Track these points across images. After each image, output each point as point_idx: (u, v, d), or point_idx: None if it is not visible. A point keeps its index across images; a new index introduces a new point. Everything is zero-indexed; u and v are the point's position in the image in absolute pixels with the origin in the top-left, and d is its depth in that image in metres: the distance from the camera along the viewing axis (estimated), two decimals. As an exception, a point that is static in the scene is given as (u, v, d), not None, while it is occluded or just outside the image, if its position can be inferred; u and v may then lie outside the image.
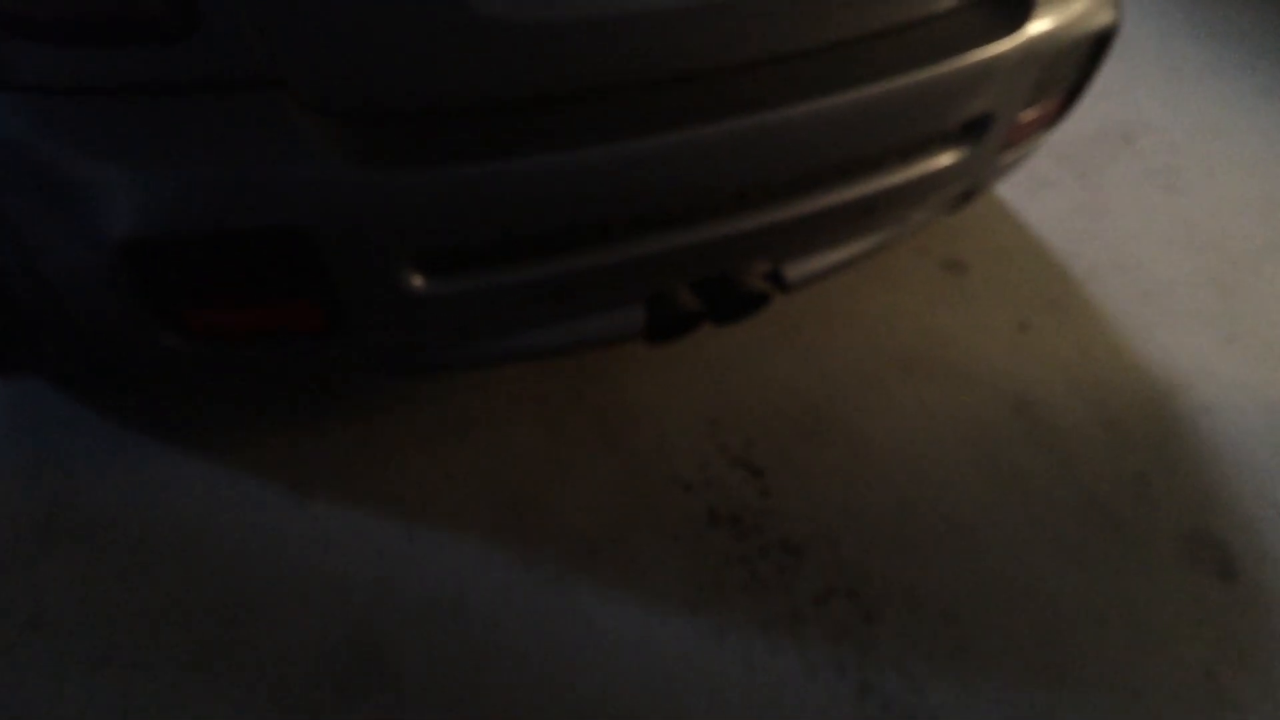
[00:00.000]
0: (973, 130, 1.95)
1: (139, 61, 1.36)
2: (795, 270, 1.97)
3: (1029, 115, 2.05)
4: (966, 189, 2.11)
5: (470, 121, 1.53)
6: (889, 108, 1.75)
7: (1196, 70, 3.25)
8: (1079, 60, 2.03)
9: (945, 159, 1.95)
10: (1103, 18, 1.98)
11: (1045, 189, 2.74)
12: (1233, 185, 2.86)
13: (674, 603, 1.86)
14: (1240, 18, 3.54)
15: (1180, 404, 2.30)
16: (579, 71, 1.56)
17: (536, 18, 1.46)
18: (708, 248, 1.77)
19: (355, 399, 2.08)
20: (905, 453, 2.13)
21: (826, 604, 1.89)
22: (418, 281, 1.57)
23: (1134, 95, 3.10)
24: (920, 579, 1.94)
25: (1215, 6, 3.58)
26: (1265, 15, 3.58)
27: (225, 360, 1.67)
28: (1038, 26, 1.88)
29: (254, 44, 1.37)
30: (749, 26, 1.63)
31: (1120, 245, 2.63)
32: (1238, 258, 2.67)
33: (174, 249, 1.42)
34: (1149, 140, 2.95)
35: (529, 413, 2.10)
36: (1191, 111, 3.09)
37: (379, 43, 1.41)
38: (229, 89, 1.42)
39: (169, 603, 1.76)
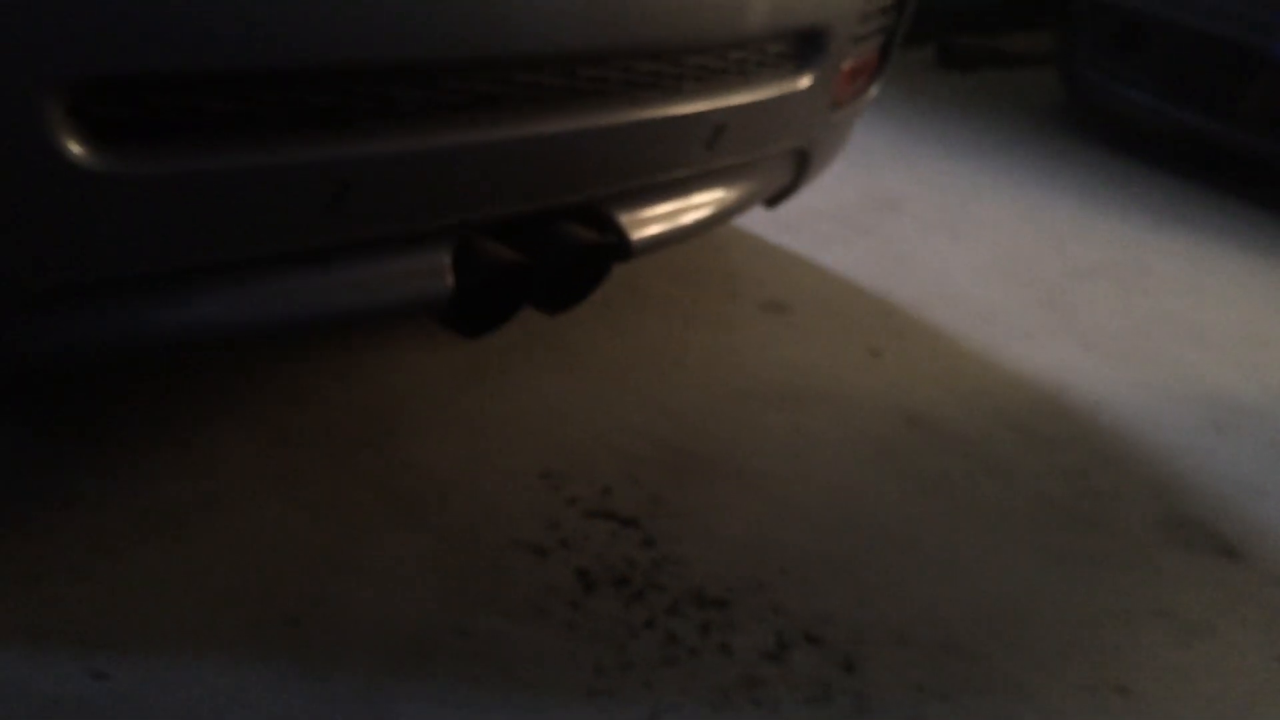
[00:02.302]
0: (809, 47, 1.62)
1: None
2: (638, 231, 1.50)
3: (853, 63, 1.77)
4: (803, 148, 1.77)
5: None
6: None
7: (930, 159, 3.24)
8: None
9: (784, 83, 1.60)
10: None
11: (832, 244, 2.48)
12: (1007, 232, 2.76)
13: (567, 694, 1.20)
14: (949, 122, 3.64)
15: (1074, 401, 1.99)
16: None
17: None
18: (521, 154, 1.28)
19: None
20: (808, 479, 1.63)
21: (786, 659, 1.30)
22: (78, 150, 0.95)
23: (883, 177, 3.00)
24: (894, 611, 1.40)
25: (928, 116, 3.68)
26: (969, 121, 3.71)
27: None
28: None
29: None
30: None
31: (933, 282, 2.39)
32: (1052, 283, 2.50)
33: None
34: (914, 205, 2.82)
35: (277, 493, 1.42)
36: (941, 186, 3.03)
37: None
38: None
39: None
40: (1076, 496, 1.71)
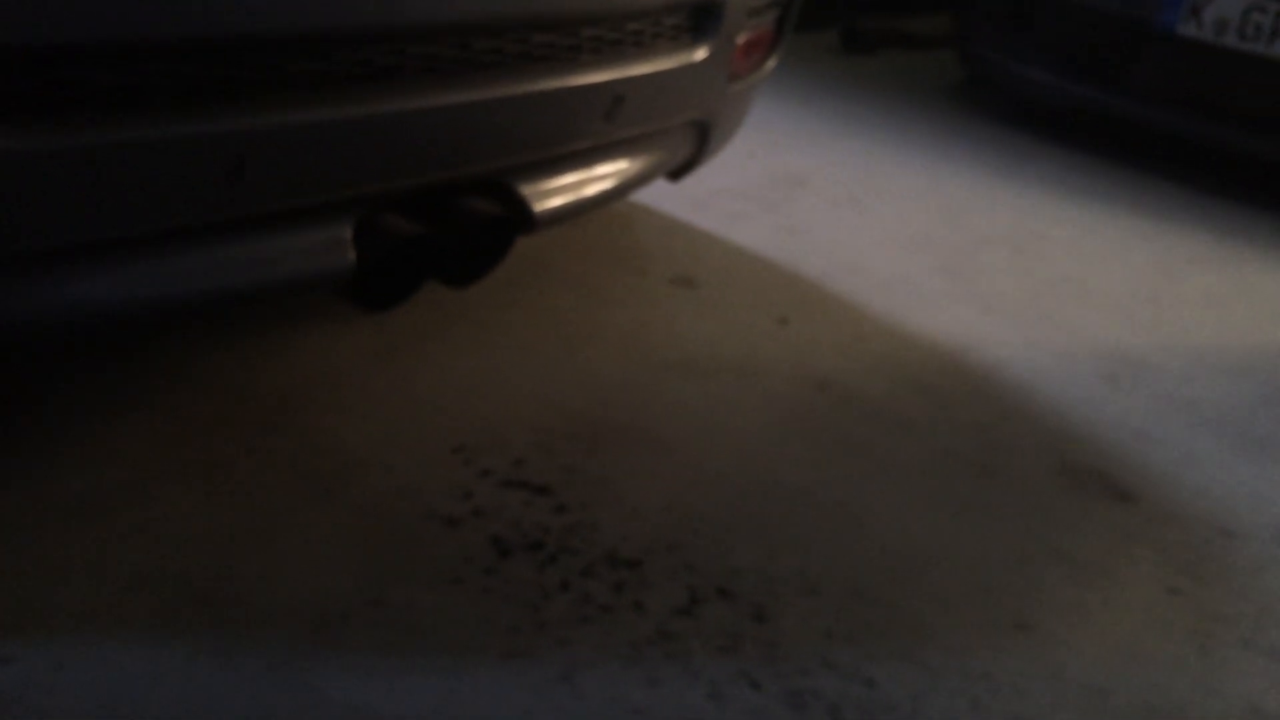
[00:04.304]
0: (704, 20, 1.65)
1: None
2: (540, 202, 1.51)
3: (749, 37, 1.80)
4: (702, 120, 1.80)
5: None
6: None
7: (834, 138, 3.30)
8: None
9: (681, 55, 1.62)
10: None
11: (739, 220, 2.51)
12: (910, 205, 2.82)
13: (482, 656, 1.21)
14: (853, 102, 3.71)
15: (975, 361, 2.04)
16: None
17: None
18: (418, 127, 1.28)
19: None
20: (719, 443, 1.66)
21: (698, 613, 1.32)
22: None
23: (788, 156, 3.04)
24: (803, 563, 1.44)
25: (833, 97, 3.73)
26: (873, 101, 3.78)
27: None
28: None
29: None
30: None
31: (838, 253, 2.43)
32: (952, 251, 2.55)
33: None
34: (819, 181, 2.87)
35: (186, 479, 1.40)
36: (845, 163, 3.08)
37: None
38: None
39: None
40: (978, 450, 1.76)
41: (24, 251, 1.05)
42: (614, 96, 1.53)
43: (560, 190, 1.56)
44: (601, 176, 1.63)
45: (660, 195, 2.52)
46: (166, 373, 1.60)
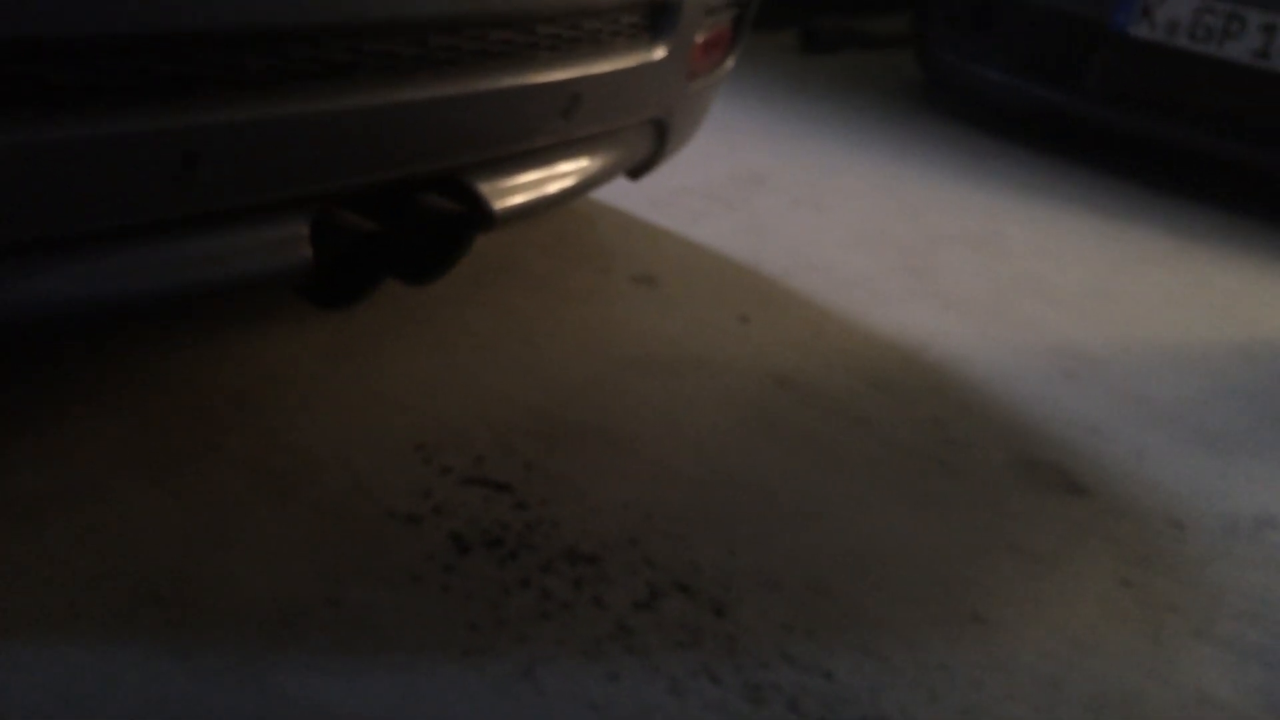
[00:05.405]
0: (661, 18, 1.66)
1: None
2: (499, 200, 1.52)
3: (707, 35, 1.81)
4: (661, 119, 1.81)
5: None
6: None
7: (795, 137, 3.32)
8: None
9: (639, 54, 1.64)
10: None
11: (700, 218, 2.53)
12: (870, 204, 2.85)
13: (441, 652, 1.21)
14: (813, 102, 3.74)
15: (934, 358, 2.07)
16: None
17: None
18: (375, 123, 1.28)
19: None
20: (680, 440, 1.67)
21: (657, 607, 1.33)
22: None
23: (749, 155, 3.07)
24: (763, 558, 1.45)
25: (793, 97, 3.76)
26: (832, 101, 3.81)
27: None
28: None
29: None
30: None
31: (799, 251, 2.45)
32: (912, 250, 2.59)
33: None
34: (779, 180, 2.89)
35: (143, 479, 1.40)
36: (806, 162, 3.10)
37: None
38: None
39: None
40: (935, 445, 1.78)
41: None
42: (572, 95, 1.54)
43: (519, 188, 1.56)
44: (561, 174, 1.64)
45: (621, 194, 2.53)
46: (122, 371, 1.59)
